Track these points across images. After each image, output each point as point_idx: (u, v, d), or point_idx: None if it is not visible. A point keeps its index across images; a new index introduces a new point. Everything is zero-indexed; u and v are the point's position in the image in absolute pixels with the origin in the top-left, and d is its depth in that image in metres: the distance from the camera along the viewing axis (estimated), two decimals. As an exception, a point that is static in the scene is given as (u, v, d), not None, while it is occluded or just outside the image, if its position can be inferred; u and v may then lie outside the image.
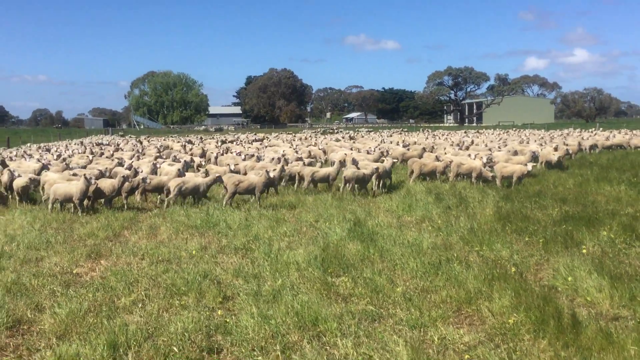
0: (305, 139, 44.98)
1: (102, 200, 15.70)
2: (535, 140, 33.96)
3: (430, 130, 65.31)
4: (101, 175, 16.76)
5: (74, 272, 9.54)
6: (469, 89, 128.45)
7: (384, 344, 6.26)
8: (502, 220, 12.17)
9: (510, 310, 7.00)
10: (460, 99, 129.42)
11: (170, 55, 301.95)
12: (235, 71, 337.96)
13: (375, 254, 9.87)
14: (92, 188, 14.72)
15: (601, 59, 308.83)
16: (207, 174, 17.27)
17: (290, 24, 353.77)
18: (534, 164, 19.82)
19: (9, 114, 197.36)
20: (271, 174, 15.81)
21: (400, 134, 56.56)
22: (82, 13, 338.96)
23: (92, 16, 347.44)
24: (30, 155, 27.05)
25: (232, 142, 40.48)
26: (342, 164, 18.63)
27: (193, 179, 16.08)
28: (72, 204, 14.94)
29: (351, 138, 45.46)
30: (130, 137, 60.65)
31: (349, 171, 17.40)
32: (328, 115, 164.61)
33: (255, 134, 57.16)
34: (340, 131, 70.60)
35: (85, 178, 14.28)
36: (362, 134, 54.85)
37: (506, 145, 29.84)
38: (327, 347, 6.28)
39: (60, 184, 15.06)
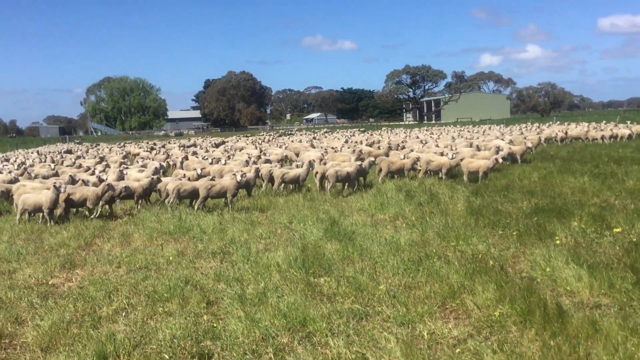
0: (267, 141, 44.70)
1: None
2: (497, 136, 34.51)
3: (390, 129, 65.71)
4: (80, 183, 16.37)
5: (50, 282, 9.32)
6: (426, 87, 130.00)
7: (375, 341, 6.30)
8: (475, 215, 12.34)
9: (495, 302, 7.10)
10: (419, 97, 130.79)
11: (126, 60, 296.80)
12: (193, 75, 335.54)
13: (355, 253, 9.90)
14: (62, 197, 14.42)
15: (553, 54, 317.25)
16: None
17: (247, 27, 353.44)
18: (503, 155, 20.26)
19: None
20: (242, 177, 15.71)
21: (363, 133, 56.77)
22: (32, 18, 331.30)
23: (42, 21, 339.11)
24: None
25: (190, 146, 39.90)
26: (311, 164, 18.65)
27: (191, 182, 15.83)
28: (42, 214, 14.58)
29: (314, 139, 45.46)
30: (87, 144, 59.46)
31: (332, 170, 17.37)
32: (288, 116, 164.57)
33: (212, 139, 56.46)
34: (301, 132, 70.55)
35: (55, 187, 13.95)
36: (324, 134, 54.81)
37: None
38: (319, 348, 6.28)
39: (29, 194, 14.68)
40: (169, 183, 15.82)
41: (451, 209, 13.50)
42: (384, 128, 71.99)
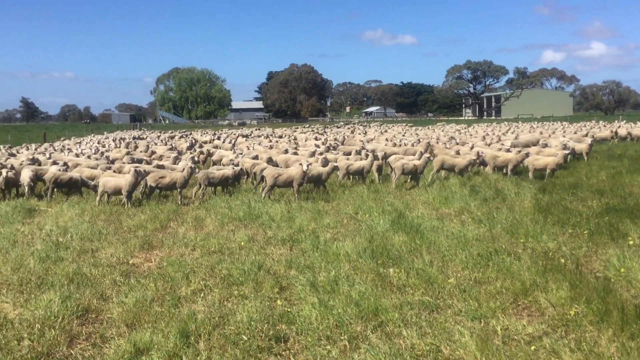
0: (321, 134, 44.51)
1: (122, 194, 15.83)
2: (565, 134, 33.52)
3: (445, 124, 64.50)
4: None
5: (130, 262, 9.61)
6: (487, 83, 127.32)
7: (448, 334, 6.22)
8: (543, 212, 12.03)
9: (570, 301, 6.90)
10: (479, 92, 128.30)
11: (194, 51, 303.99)
12: (256, 67, 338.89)
13: (423, 245, 9.81)
14: (153, 180, 15.14)
15: (618, 51, 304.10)
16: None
17: (308, 20, 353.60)
18: (567, 152, 19.65)
19: (39, 110, 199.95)
20: (308, 167, 15.79)
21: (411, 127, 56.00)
22: (108, 10, 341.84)
23: (117, 13, 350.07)
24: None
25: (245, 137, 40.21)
26: (375, 157, 18.58)
27: (287, 171, 16.02)
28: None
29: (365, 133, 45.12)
30: (157, 132, 60.91)
31: (399, 162, 17.31)
32: (347, 109, 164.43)
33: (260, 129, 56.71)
34: (351, 124, 70.33)
35: (135, 171, 14.43)
36: (374, 128, 54.35)
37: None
38: (392, 337, 6.25)
39: (109, 177, 15.20)
40: (267, 169, 16.01)
41: (518, 206, 13.20)
42: (440, 123, 70.70)
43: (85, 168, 17.70)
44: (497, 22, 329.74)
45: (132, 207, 14.49)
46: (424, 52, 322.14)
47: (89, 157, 21.53)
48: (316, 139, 33.41)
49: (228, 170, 16.50)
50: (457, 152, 20.45)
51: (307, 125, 65.18)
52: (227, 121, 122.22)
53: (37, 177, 17.23)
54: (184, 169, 15.75)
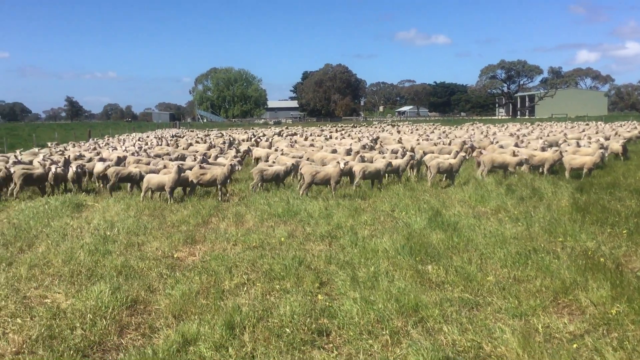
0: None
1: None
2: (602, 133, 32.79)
3: (476, 123, 63.75)
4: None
5: (175, 256, 9.75)
6: (521, 82, 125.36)
7: (489, 331, 6.16)
8: (581, 212, 11.81)
9: (611, 300, 6.78)
10: (513, 92, 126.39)
11: (231, 52, 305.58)
12: (291, 67, 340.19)
13: (460, 243, 9.73)
14: (195, 176, 15.47)
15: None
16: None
17: (342, 21, 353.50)
18: (604, 151, 19.23)
19: (83, 109, 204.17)
20: (345, 165, 15.82)
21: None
22: (149, 13, 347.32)
23: (158, 16, 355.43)
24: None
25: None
26: (412, 156, 18.48)
27: (375, 163, 16.04)
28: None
29: (398, 132, 44.84)
30: (196, 130, 61.50)
31: (434, 161, 17.22)
32: (381, 109, 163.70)
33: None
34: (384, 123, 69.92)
35: (178, 168, 14.67)
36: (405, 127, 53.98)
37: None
38: (432, 333, 6.22)
39: (153, 174, 15.46)
40: (305, 167, 16.13)
41: (555, 205, 12.99)
42: (467, 123, 69.89)
43: (144, 165, 18.03)
44: (532, 22, 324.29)
45: (174, 203, 14.70)
46: (457, 52, 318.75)
47: (132, 154, 21.86)
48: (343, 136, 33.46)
49: (280, 167, 16.70)
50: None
51: (336, 124, 65.09)
52: (262, 120, 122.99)
53: (84, 173, 17.64)
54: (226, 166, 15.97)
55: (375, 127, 55.80)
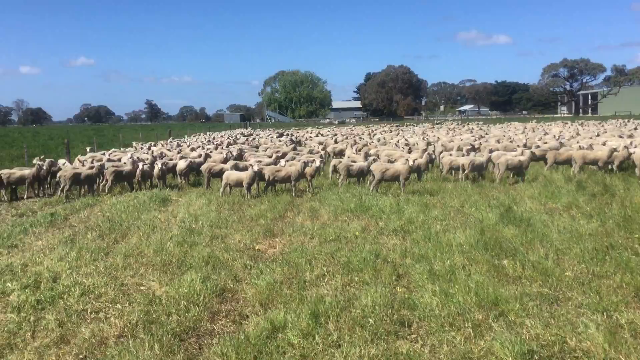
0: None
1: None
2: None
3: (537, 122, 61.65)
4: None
5: (256, 248, 9.86)
6: (584, 80, 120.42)
7: (572, 326, 5.90)
8: (657, 208, 11.21)
9: (699, 298, 6.38)
10: (575, 90, 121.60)
11: (297, 55, 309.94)
12: (355, 69, 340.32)
13: (535, 238, 9.40)
14: (269, 174, 15.68)
15: None
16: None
17: (404, 23, 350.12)
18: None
19: (161, 111, 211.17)
20: (414, 162, 15.63)
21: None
22: (219, 22, 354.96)
23: (228, 23, 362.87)
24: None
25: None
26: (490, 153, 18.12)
27: (393, 166, 16.00)
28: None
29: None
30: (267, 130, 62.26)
31: (503, 158, 16.81)
32: (442, 108, 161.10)
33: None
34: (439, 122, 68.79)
35: (255, 166, 14.88)
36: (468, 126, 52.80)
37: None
38: (514, 327, 6.01)
39: (232, 171, 15.74)
40: (375, 164, 16.09)
41: (628, 202, 12.36)
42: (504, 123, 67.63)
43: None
44: (594, 20, 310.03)
45: (251, 198, 14.89)
46: (518, 51, 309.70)
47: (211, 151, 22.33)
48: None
49: (364, 164, 16.70)
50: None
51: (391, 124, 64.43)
52: (327, 120, 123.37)
53: (169, 170, 18.15)
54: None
55: (415, 127, 54.93)
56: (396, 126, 57.88)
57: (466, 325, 6.03)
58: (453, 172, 17.95)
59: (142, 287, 7.80)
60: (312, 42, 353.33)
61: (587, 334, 5.64)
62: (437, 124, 66.41)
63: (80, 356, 5.70)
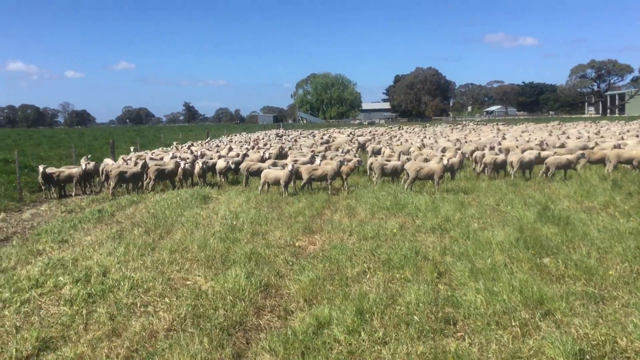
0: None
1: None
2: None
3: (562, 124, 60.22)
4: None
5: (297, 245, 9.74)
6: (612, 81, 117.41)
7: (622, 326, 5.62)
8: (699, 208, 10.73)
9: None
10: (603, 90, 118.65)
11: (328, 58, 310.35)
12: (384, 71, 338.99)
13: (575, 237, 9.06)
14: (306, 172, 15.60)
15: None
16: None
17: (431, 26, 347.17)
18: None
19: (198, 113, 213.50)
20: (448, 161, 15.34)
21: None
22: (251, 27, 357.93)
23: (259, 28, 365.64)
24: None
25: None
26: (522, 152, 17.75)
27: (428, 165, 15.79)
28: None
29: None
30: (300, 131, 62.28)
31: (552, 158, 16.73)
32: (469, 109, 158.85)
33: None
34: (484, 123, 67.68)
35: (292, 165, 14.80)
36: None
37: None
38: (561, 326, 5.75)
39: (270, 170, 15.68)
40: (409, 163, 15.90)
41: (667, 200, 11.89)
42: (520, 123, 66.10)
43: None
44: (619, 21, 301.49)
45: (288, 196, 14.80)
46: (545, 52, 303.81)
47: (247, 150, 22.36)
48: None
49: (398, 163, 16.51)
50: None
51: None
52: (357, 121, 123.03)
53: (209, 168, 18.20)
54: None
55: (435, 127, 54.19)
56: (418, 127, 57.04)
57: (513, 324, 5.79)
58: (488, 170, 17.60)
59: (188, 282, 7.75)
60: (342, 46, 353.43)
61: (638, 334, 5.35)
62: (458, 124, 65.54)
63: (132, 349, 5.65)
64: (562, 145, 21.79)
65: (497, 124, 55.01)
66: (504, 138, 28.42)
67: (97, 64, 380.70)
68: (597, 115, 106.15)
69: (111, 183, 16.10)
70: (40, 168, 16.77)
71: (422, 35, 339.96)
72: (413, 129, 48.62)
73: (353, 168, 16.23)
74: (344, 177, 15.93)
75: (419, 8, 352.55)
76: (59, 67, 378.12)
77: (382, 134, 39.48)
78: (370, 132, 43.04)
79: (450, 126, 58.66)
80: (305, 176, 15.67)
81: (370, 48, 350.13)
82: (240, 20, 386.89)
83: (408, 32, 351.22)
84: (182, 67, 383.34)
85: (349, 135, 37.42)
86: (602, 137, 26.68)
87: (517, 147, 21.15)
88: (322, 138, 35.18)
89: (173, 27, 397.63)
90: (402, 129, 50.33)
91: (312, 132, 47.39)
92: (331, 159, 18.19)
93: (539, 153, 17.71)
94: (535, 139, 25.32)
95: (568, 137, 27.50)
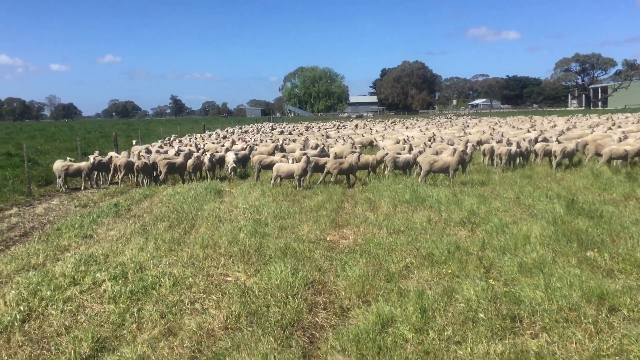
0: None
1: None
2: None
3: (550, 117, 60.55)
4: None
5: (327, 239, 9.48)
6: (595, 75, 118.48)
7: (696, 322, 5.46)
8: None
9: None
10: (587, 84, 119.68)
11: (316, 52, 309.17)
12: (371, 65, 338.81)
13: (612, 230, 8.91)
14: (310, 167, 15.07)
15: None
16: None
17: (416, 21, 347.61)
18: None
19: (185, 106, 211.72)
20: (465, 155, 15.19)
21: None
22: (238, 20, 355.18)
23: (247, 21, 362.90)
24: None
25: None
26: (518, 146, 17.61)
27: (442, 157, 15.56)
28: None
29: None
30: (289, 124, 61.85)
31: (559, 147, 16.80)
32: (454, 102, 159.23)
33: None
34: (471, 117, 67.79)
35: (307, 158, 14.50)
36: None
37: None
38: (632, 322, 5.57)
39: (282, 163, 15.38)
40: (422, 156, 15.73)
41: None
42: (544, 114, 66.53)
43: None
44: (599, 16, 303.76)
45: (304, 190, 14.52)
46: (527, 46, 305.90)
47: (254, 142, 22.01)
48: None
49: (410, 156, 16.30)
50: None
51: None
52: (345, 114, 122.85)
53: (217, 162, 17.85)
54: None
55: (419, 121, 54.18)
56: (392, 122, 56.36)
57: (583, 320, 5.60)
58: (499, 162, 17.59)
59: (228, 278, 7.47)
60: (328, 40, 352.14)
61: None
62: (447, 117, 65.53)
63: (193, 349, 5.37)
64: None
65: (465, 118, 54.97)
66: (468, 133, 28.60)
67: (82, 56, 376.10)
68: (580, 109, 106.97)
69: (120, 174, 15.74)
70: (91, 158, 16.96)
71: (408, 30, 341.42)
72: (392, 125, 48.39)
73: (380, 161, 16.40)
74: (370, 169, 16.18)
75: (404, 2, 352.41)
76: (44, 60, 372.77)
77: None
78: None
79: (422, 119, 58.43)
80: (334, 171, 15.35)
81: (356, 42, 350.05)
82: (226, 14, 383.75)
83: (394, 26, 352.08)
84: (168, 60, 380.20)
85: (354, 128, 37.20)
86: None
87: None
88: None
89: (159, 20, 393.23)
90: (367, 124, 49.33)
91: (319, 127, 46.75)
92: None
93: (577, 143, 17.98)
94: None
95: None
